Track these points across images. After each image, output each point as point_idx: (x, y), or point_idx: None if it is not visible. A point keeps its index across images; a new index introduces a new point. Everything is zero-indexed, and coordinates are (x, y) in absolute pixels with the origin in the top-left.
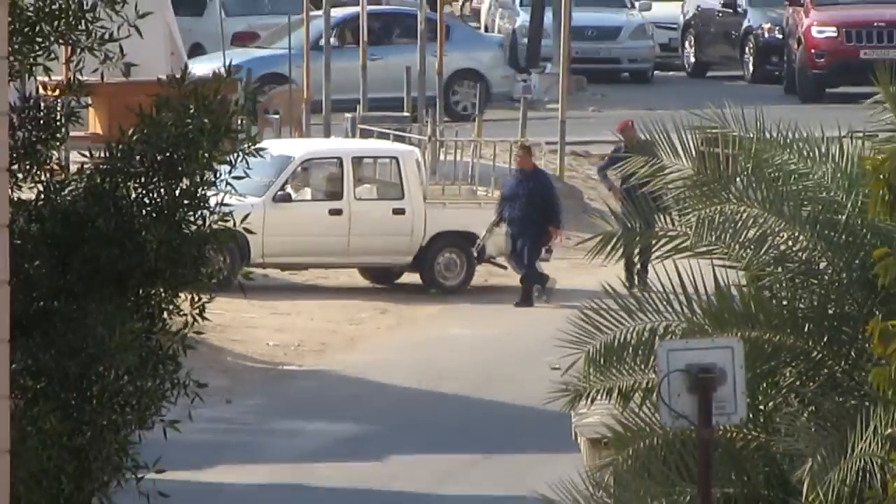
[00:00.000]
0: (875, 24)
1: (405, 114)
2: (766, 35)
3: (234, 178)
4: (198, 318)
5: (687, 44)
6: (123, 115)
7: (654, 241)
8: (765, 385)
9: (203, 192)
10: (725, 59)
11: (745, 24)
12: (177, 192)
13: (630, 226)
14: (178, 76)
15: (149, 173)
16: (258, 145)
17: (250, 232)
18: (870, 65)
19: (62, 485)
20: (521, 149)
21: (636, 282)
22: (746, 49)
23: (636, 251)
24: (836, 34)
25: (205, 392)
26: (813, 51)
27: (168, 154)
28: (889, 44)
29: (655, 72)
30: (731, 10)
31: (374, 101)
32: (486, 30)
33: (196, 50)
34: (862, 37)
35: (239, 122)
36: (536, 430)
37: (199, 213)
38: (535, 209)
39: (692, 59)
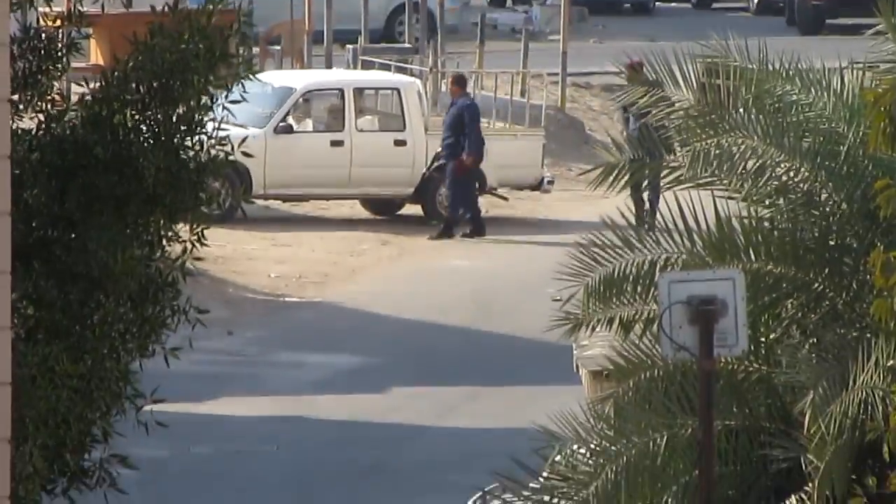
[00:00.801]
0: None
1: (406, 45)
2: None
3: (231, 102)
4: (196, 244)
5: None
6: (124, 46)
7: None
8: (766, 317)
9: (200, 118)
10: None
11: None
12: (173, 119)
13: (635, 157)
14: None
15: (145, 100)
16: (255, 72)
17: (249, 156)
18: None
19: (69, 424)
20: (452, 77)
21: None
22: None
23: (644, 190)
24: None
25: (206, 323)
26: None
27: (164, 80)
28: None
29: (659, 3)
30: None
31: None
32: None
33: None
34: None
35: (234, 46)
36: (537, 362)
37: (196, 138)
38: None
39: None
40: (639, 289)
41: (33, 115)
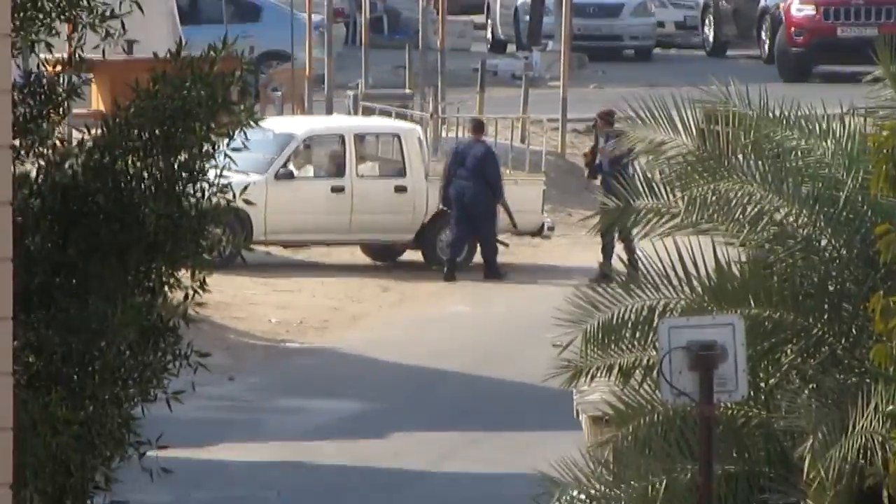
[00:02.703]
0: (853, 1)
1: (407, 91)
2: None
3: (233, 150)
4: (198, 290)
5: (706, 22)
6: (125, 93)
7: (637, 220)
8: (766, 362)
9: (201, 165)
10: (744, 38)
11: (762, 3)
12: (175, 166)
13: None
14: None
15: (147, 147)
16: (256, 118)
17: (250, 203)
18: (847, 43)
19: (70, 470)
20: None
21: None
22: (763, 28)
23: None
24: (814, 12)
25: (207, 369)
26: (792, 29)
27: (166, 128)
28: (867, 20)
29: (671, 50)
30: None
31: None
32: (488, 8)
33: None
34: (840, 14)
35: (236, 94)
36: (538, 407)
37: (198, 185)
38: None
39: (711, 38)
40: (637, 335)
41: (33, 160)
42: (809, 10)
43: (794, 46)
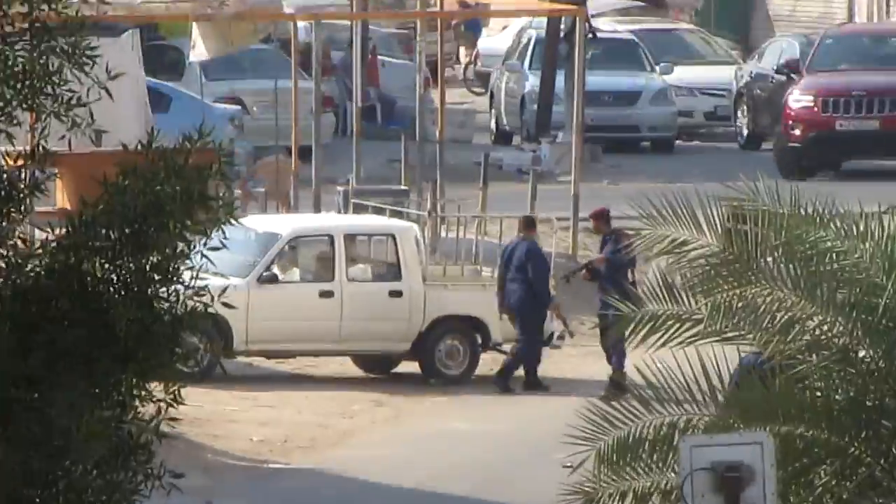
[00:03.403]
0: (854, 92)
1: (403, 186)
2: None
3: (211, 249)
4: (172, 403)
5: (740, 113)
6: (92, 188)
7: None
8: (798, 485)
9: (175, 266)
10: None
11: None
12: (147, 267)
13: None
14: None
15: (115, 247)
16: (236, 215)
17: (230, 307)
18: (847, 137)
19: None
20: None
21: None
22: None
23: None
24: (812, 103)
25: (182, 491)
26: (790, 122)
27: (136, 226)
28: (868, 114)
29: (698, 142)
30: (786, 76)
31: None
32: (492, 95)
33: None
34: (839, 106)
35: (214, 188)
36: None
37: (172, 288)
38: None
39: (745, 130)
40: (655, 455)
41: None
42: (807, 102)
43: (791, 141)
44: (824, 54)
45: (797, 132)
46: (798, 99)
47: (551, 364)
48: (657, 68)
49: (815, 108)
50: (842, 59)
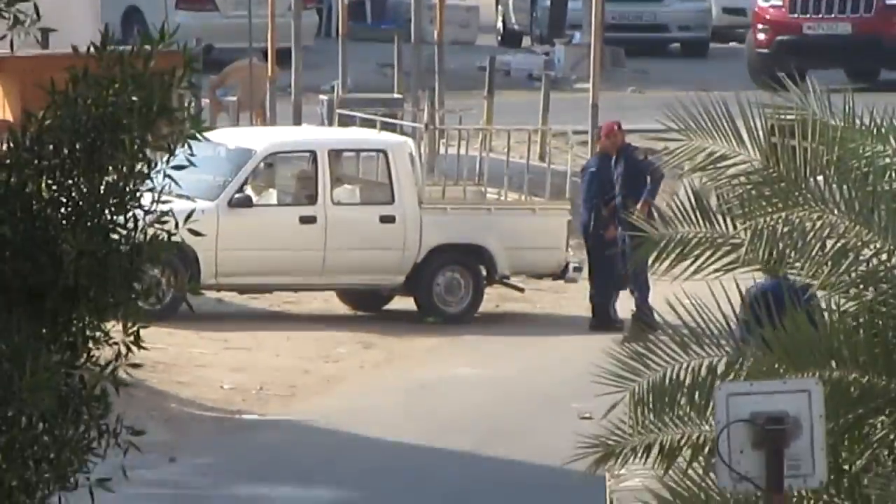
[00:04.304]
0: None
1: (396, 95)
2: None
3: (175, 168)
4: (132, 346)
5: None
6: (38, 97)
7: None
8: (850, 439)
9: (134, 188)
10: None
11: None
12: (100, 189)
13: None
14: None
15: (65, 166)
16: (203, 127)
17: (197, 235)
18: (815, 42)
19: None
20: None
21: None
22: None
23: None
24: (781, 3)
25: (144, 446)
26: (758, 25)
27: (88, 141)
28: (840, 15)
29: (722, 44)
30: None
31: None
32: None
33: (132, 14)
34: (808, 6)
35: (178, 98)
36: (560, 496)
37: (129, 214)
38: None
39: None
40: (689, 406)
41: None
42: (777, 1)
43: (758, 47)
44: None
45: (763, 37)
46: None
47: (566, 300)
48: None
49: (784, 9)
50: None
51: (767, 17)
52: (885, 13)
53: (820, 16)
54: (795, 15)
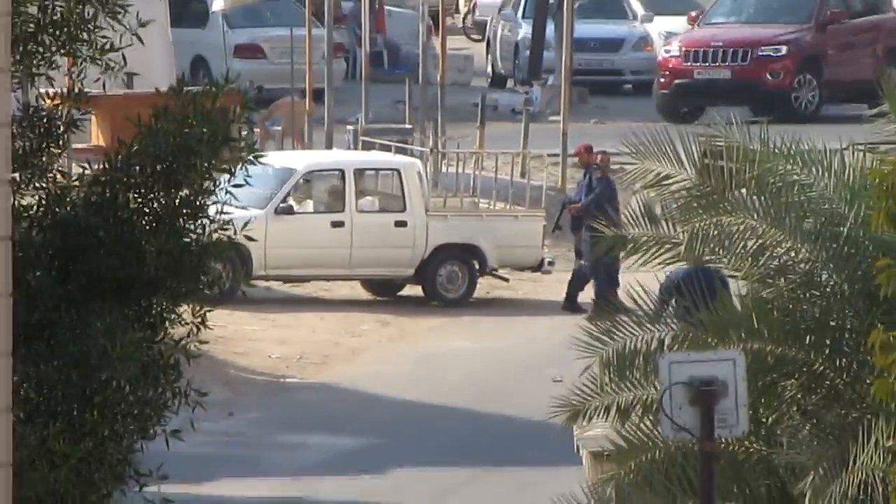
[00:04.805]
0: (712, 43)
1: (407, 126)
2: None
3: (234, 186)
4: (200, 325)
5: None
6: (125, 127)
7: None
8: (767, 398)
9: (202, 202)
10: None
11: None
12: (176, 202)
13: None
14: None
15: (148, 183)
16: (257, 154)
17: (251, 239)
18: (703, 85)
19: None
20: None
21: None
22: None
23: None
24: (678, 53)
25: (206, 405)
26: (661, 70)
27: (167, 164)
28: (722, 63)
29: None
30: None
31: None
32: (489, 42)
33: (198, 62)
34: (699, 56)
35: (238, 130)
36: (538, 443)
37: (199, 222)
38: None
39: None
40: (637, 372)
41: (34, 192)
42: (675, 52)
43: (661, 88)
44: (720, 7)
45: (664, 80)
46: (668, 49)
47: (543, 288)
48: (639, 17)
49: (680, 58)
50: (734, 13)
51: (669, 65)
52: (758, 62)
53: (707, 64)
54: (689, 63)
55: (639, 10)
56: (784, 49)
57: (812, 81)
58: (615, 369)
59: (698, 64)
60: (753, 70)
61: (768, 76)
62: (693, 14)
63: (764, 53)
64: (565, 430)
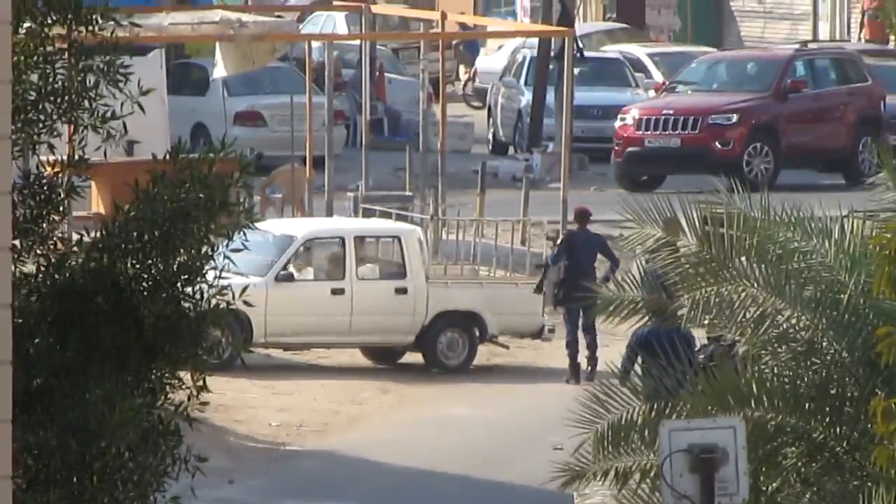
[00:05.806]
0: (663, 112)
1: (407, 193)
2: None
3: (233, 251)
4: (200, 389)
5: None
6: (125, 194)
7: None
8: (767, 465)
9: (200, 266)
10: None
11: None
12: (174, 267)
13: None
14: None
15: (146, 249)
16: (255, 219)
17: (250, 305)
18: (653, 153)
19: None
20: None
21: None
22: None
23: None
24: (631, 122)
25: (207, 472)
26: (615, 139)
27: (164, 229)
28: (672, 131)
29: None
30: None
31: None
32: (489, 110)
33: (199, 130)
34: (650, 124)
35: (236, 195)
36: None
37: (197, 287)
38: None
39: None
40: (638, 439)
41: (34, 261)
42: (629, 120)
43: (615, 156)
44: (686, 76)
45: (618, 148)
46: (623, 118)
47: (543, 355)
48: (641, 84)
49: (633, 126)
50: (701, 82)
51: (624, 133)
52: (709, 130)
53: (658, 132)
54: (640, 131)
55: (656, 76)
56: (735, 117)
57: (765, 150)
58: (610, 443)
59: (649, 132)
60: (703, 138)
61: (717, 144)
62: (659, 83)
63: (714, 122)
64: (565, 497)
